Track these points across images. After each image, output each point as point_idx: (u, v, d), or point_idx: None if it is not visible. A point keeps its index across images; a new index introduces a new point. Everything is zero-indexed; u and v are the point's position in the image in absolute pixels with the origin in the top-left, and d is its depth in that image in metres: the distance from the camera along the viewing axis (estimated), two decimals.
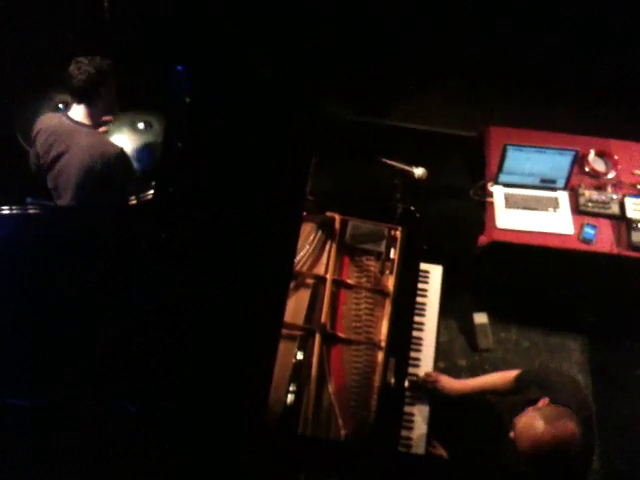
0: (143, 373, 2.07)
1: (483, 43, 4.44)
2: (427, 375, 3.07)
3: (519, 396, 2.88)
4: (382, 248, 3.21)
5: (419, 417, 3.01)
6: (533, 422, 2.50)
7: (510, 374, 3.03)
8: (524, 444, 2.51)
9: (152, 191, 3.42)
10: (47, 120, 3.46)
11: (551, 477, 2.51)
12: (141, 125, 3.90)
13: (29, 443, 2.02)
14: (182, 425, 1.93)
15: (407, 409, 3.00)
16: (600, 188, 3.88)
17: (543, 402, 2.63)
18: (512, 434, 2.59)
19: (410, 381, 3.04)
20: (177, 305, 2.18)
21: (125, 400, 1.97)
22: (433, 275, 3.35)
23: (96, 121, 3.43)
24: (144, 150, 3.82)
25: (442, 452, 3.04)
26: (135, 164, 3.67)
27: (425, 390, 3.04)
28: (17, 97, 4.05)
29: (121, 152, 3.37)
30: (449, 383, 3.06)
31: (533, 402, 2.68)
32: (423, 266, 3.34)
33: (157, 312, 2.18)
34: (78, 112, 3.36)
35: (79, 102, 3.35)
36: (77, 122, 3.35)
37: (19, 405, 1.97)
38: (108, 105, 3.45)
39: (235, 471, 1.89)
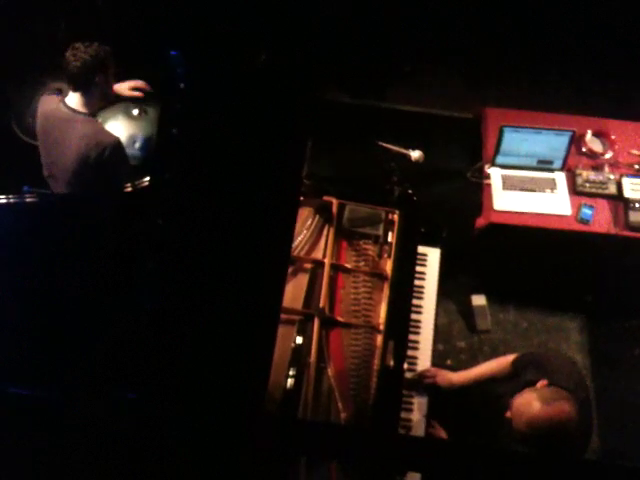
0: (140, 357, 2.07)
1: (480, 24, 4.42)
2: (424, 371, 3.06)
3: (517, 380, 2.89)
4: (380, 232, 3.21)
5: (418, 399, 3.02)
6: (530, 402, 2.52)
7: (507, 359, 3.03)
8: (520, 423, 2.53)
9: (148, 178, 3.41)
10: (46, 103, 3.43)
11: (547, 456, 2.53)
12: (135, 112, 3.88)
13: (29, 442, 2.01)
14: (180, 412, 1.94)
15: (406, 391, 3.01)
16: (597, 168, 3.87)
17: (541, 384, 2.65)
18: (508, 413, 2.61)
19: (408, 379, 3.02)
20: (174, 291, 2.18)
21: (124, 387, 1.98)
22: (431, 258, 3.35)
23: (92, 108, 3.40)
24: (139, 137, 3.80)
25: (442, 433, 3.06)
26: (136, 151, 3.66)
27: (424, 387, 3.03)
28: (12, 85, 4.03)
29: (117, 142, 3.36)
30: (447, 377, 3.06)
31: (531, 384, 2.69)
32: (421, 249, 3.34)
33: (154, 299, 2.18)
34: (74, 99, 3.34)
35: (74, 89, 3.33)
36: (73, 110, 3.33)
37: (18, 396, 1.97)
38: (104, 93, 3.42)
39: (235, 459, 1.90)
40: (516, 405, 2.57)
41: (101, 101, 3.48)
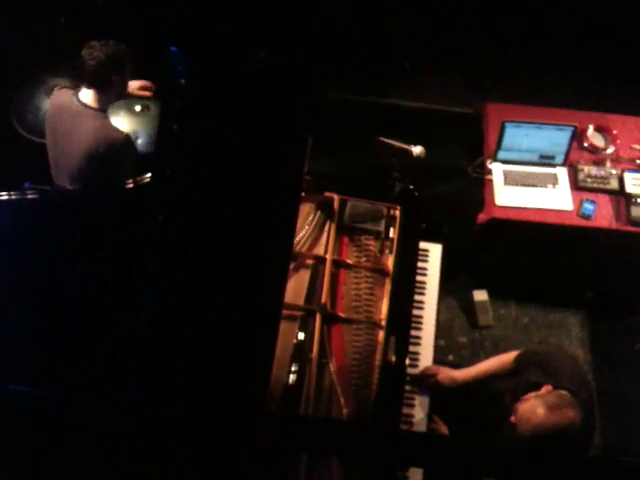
0: (140, 357, 2.08)
1: (480, 24, 4.40)
2: (426, 369, 3.06)
3: (519, 377, 2.89)
4: (381, 227, 3.21)
5: (420, 394, 3.02)
6: (535, 409, 2.54)
7: (509, 356, 3.03)
8: (525, 429, 2.55)
9: (149, 174, 3.41)
10: (59, 96, 3.42)
11: (547, 453, 2.54)
12: (138, 107, 3.88)
13: (29, 442, 2.02)
14: (180, 412, 1.94)
15: (408, 387, 3.01)
16: (599, 163, 3.86)
17: (546, 389, 2.66)
18: (513, 418, 2.62)
19: (410, 375, 3.02)
20: (174, 289, 2.18)
21: (124, 387, 1.98)
22: (433, 253, 3.35)
23: (104, 106, 3.39)
24: (141, 132, 3.80)
25: (443, 428, 3.06)
26: (138, 147, 3.65)
27: (426, 385, 3.03)
28: (13, 83, 4.03)
29: (126, 138, 3.35)
30: (449, 375, 3.04)
31: (534, 385, 2.70)
32: (422, 245, 3.34)
33: (154, 298, 2.19)
34: (87, 95, 3.32)
35: (88, 86, 3.31)
36: (85, 105, 3.31)
37: (18, 394, 1.98)
38: (119, 92, 3.41)
39: (235, 459, 1.90)
40: (521, 411, 2.58)
41: (115, 99, 3.48)
